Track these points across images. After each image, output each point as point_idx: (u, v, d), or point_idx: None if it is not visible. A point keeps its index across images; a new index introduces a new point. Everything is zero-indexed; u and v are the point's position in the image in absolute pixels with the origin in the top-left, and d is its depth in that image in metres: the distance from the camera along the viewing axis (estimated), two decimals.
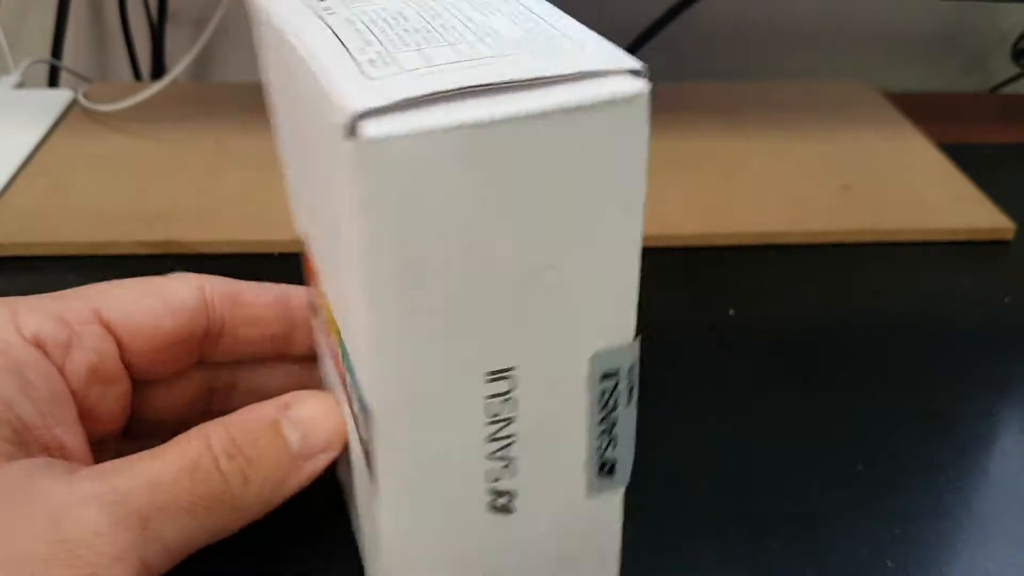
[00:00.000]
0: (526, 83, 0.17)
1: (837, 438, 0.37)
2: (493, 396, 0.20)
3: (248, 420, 0.24)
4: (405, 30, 0.19)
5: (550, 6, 0.21)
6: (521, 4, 0.21)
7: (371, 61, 0.18)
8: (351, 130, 0.16)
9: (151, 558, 0.21)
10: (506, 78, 0.17)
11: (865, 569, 0.31)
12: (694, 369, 0.40)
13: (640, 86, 0.17)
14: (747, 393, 0.39)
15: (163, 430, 0.28)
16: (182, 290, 0.27)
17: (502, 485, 0.22)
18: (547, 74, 0.17)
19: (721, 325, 0.43)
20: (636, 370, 0.21)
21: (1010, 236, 0.49)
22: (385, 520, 0.22)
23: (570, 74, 0.17)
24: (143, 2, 0.65)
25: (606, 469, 0.22)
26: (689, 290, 0.45)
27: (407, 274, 0.18)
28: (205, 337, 0.28)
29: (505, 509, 0.22)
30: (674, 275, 0.46)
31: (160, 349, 0.27)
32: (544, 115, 0.17)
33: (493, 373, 0.20)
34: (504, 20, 0.19)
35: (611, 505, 0.23)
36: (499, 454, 0.21)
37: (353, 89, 0.17)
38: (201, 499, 0.22)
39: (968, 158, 0.56)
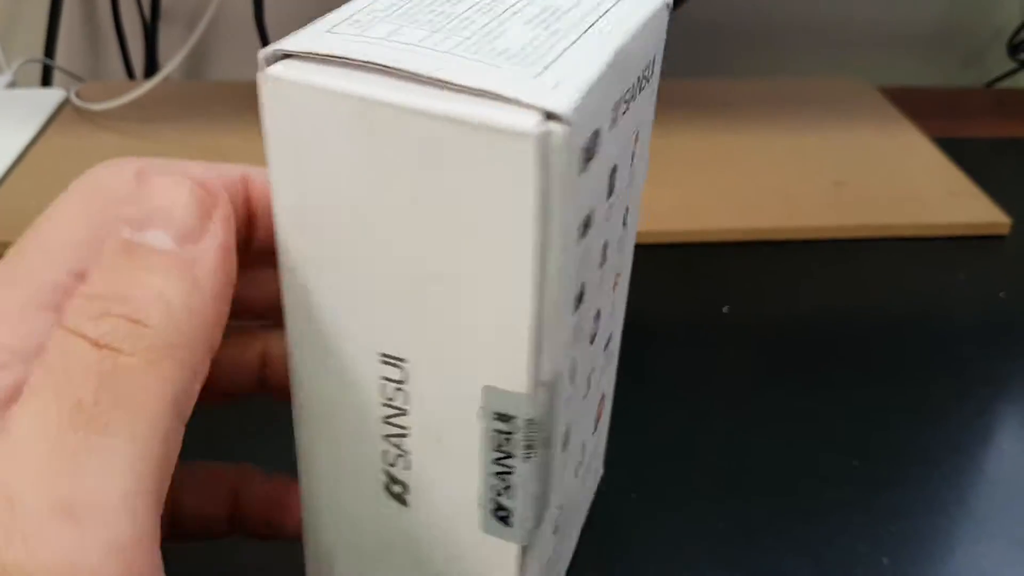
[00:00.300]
0: (439, 82, 0.17)
1: (833, 435, 0.36)
2: (387, 379, 0.20)
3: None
4: (429, 7, 0.20)
5: (618, 30, 0.20)
6: (591, 22, 0.20)
7: (352, 21, 0.19)
8: (264, 64, 0.18)
9: None
10: (424, 71, 0.17)
11: (861, 565, 0.31)
12: (687, 366, 0.40)
13: (534, 129, 0.16)
14: (741, 390, 0.39)
15: None
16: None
17: (397, 472, 0.22)
18: (462, 82, 0.17)
19: (715, 322, 0.43)
20: (544, 432, 0.20)
21: (1006, 231, 0.49)
22: (301, 482, 0.23)
23: (483, 90, 0.17)
24: (136, 0, 0.65)
25: (500, 515, 0.21)
26: (682, 287, 0.45)
27: (306, 218, 0.19)
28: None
29: (400, 499, 0.22)
30: (667, 271, 0.46)
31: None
32: (427, 115, 0.17)
33: (386, 356, 0.20)
34: (529, 28, 0.19)
35: (506, 553, 0.22)
36: (394, 441, 0.21)
37: (303, 37, 0.18)
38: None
39: (964, 153, 0.56)
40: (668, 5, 0.22)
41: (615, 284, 0.24)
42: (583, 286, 0.20)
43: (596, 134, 0.18)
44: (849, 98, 0.62)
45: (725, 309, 0.43)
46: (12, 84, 0.61)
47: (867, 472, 0.35)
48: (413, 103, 0.17)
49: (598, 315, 0.23)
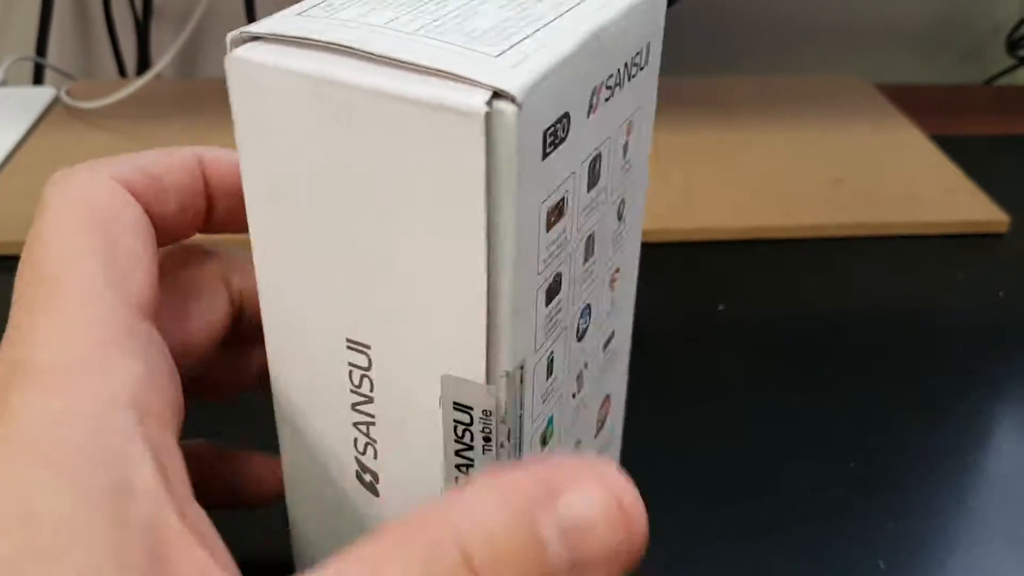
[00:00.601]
0: (398, 62, 0.17)
1: (830, 435, 0.36)
2: (353, 365, 0.20)
3: (497, 516, 0.17)
4: None
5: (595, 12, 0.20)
6: (570, 6, 0.19)
7: (325, 4, 0.19)
8: (231, 47, 0.18)
9: None
10: (383, 51, 0.17)
11: (858, 568, 0.31)
12: (683, 365, 0.39)
13: (480, 108, 0.16)
14: (737, 389, 0.38)
15: None
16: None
17: (366, 462, 0.22)
18: (420, 62, 0.17)
19: (711, 320, 0.42)
20: (503, 424, 0.19)
21: (1004, 229, 0.49)
22: (284, 471, 0.24)
23: (440, 70, 0.17)
24: None
25: None
26: (679, 285, 0.44)
27: (273, 199, 0.19)
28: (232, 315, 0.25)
29: (372, 488, 0.22)
30: (663, 269, 0.45)
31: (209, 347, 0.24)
32: (383, 95, 0.17)
33: (352, 341, 0.20)
34: (502, 10, 0.19)
35: None
36: (362, 428, 0.21)
37: (272, 20, 0.19)
38: None
39: (962, 150, 0.56)
40: None
41: (613, 280, 0.24)
42: (558, 277, 0.20)
43: (565, 118, 0.18)
44: (847, 96, 0.61)
45: (721, 307, 0.43)
46: (3, 82, 0.61)
47: (864, 473, 0.34)
48: (369, 83, 0.17)
49: (587, 311, 0.22)
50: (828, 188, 0.51)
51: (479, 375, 0.19)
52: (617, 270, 0.24)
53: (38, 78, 0.64)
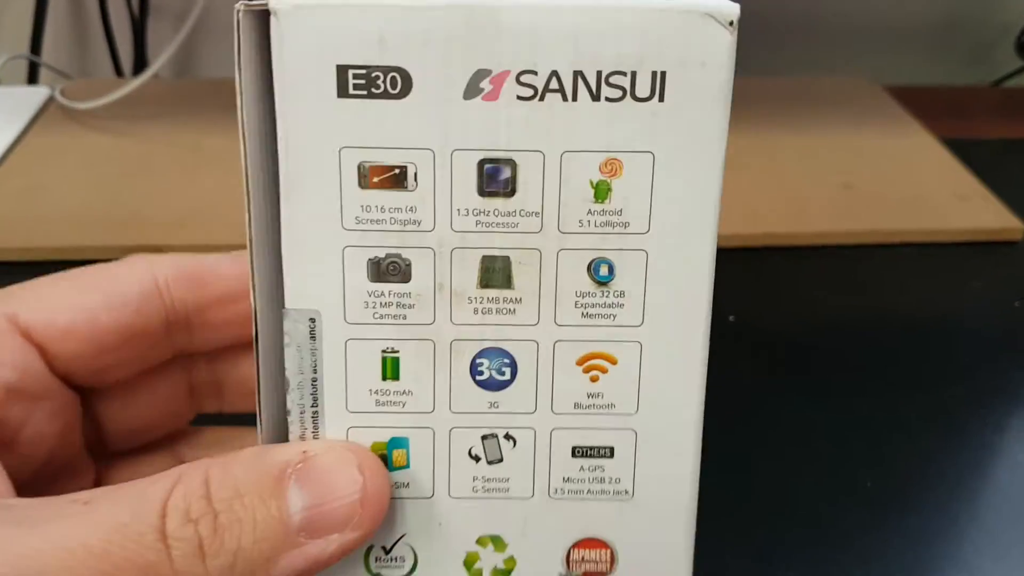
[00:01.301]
0: None
1: (844, 453, 0.35)
2: None
3: (247, 465, 0.20)
4: None
5: None
6: None
7: None
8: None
9: None
10: None
11: None
12: None
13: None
14: (748, 405, 0.37)
15: (157, 440, 0.25)
16: (123, 277, 0.23)
17: None
18: None
19: (720, 332, 0.41)
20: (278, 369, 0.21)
21: (1019, 236, 0.48)
22: None
23: None
24: None
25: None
26: None
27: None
28: (169, 327, 0.24)
29: None
30: None
31: (104, 350, 0.23)
32: None
33: None
34: None
35: None
36: None
37: None
38: (134, 572, 0.18)
39: (973, 154, 0.54)
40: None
41: (588, 367, 0.22)
42: (395, 258, 0.20)
43: (396, 72, 0.19)
44: (855, 98, 0.60)
45: (731, 318, 0.42)
46: None
47: (881, 493, 0.33)
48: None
49: (499, 357, 0.21)
50: (838, 193, 0.50)
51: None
52: (600, 356, 0.22)
53: (32, 77, 0.63)
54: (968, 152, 0.55)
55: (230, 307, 0.25)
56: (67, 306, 0.23)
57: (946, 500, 0.33)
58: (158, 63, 0.52)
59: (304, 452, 0.20)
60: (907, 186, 0.51)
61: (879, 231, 0.47)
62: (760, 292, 0.44)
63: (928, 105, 0.61)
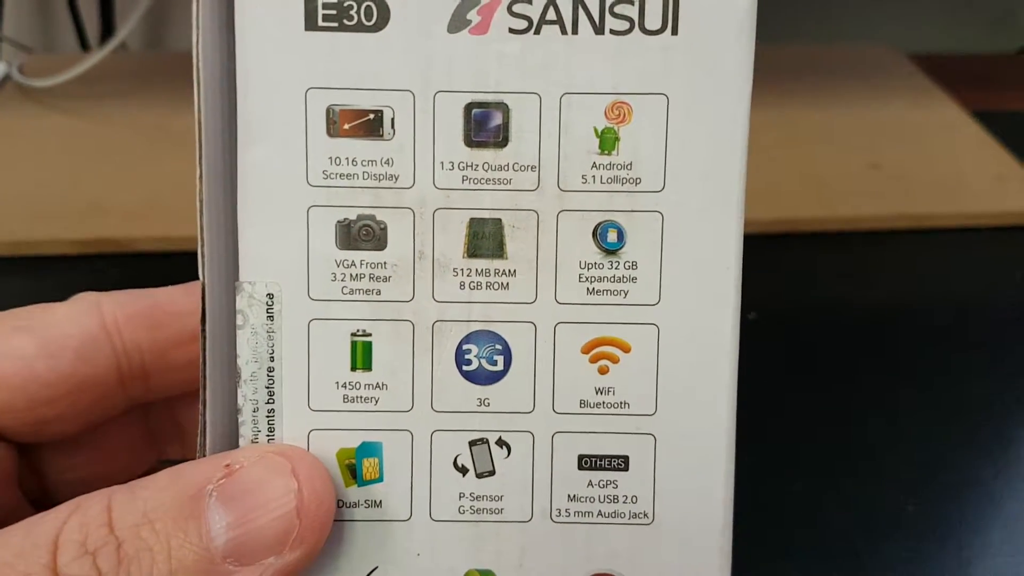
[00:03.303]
0: None
1: (881, 470, 0.31)
2: None
3: (158, 487, 0.17)
4: None
5: None
6: None
7: None
8: None
9: None
10: None
11: None
12: None
13: None
14: (771, 405, 0.33)
15: None
16: (65, 318, 0.21)
17: None
18: None
19: (741, 331, 0.37)
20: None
21: None
22: None
23: None
24: None
25: None
26: None
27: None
28: (122, 376, 0.21)
29: None
30: None
31: (40, 403, 0.20)
32: None
33: None
34: None
35: None
36: None
37: None
38: None
39: (1005, 128, 0.51)
40: None
41: (595, 354, 0.18)
42: (369, 221, 0.18)
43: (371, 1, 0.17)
44: (878, 67, 0.57)
45: (752, 316, 0.38)
46: None
47: (923, 516, 0.30)
48: None
49: (489, 342, 0.18)
50: (865, 175, 0.46)
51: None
52: (609, 343, 0.18)
53: None
54: (1000, 126, 0.51)
55: (190, 347, 0.21)
56: None
57: (985, 493, 0.30)
58: (123, 32, 0.48)
59: (227, 465, 0.17)
60: (939, 165, 0.47)
61: (910, 215, 0.43)
62: (781, 284, 0.40)
63: (951, 74, 0.57)
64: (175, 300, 0.22)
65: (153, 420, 0.23)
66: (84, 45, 0.61)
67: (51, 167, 0.45)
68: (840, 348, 0.37)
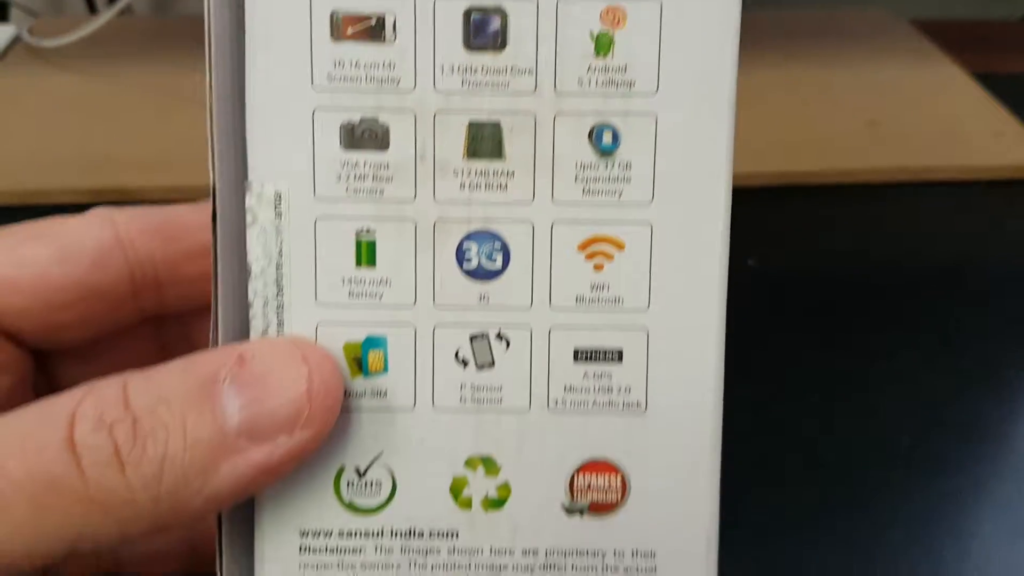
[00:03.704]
0: None
1: (875, 406, 0.32)
2: None
3: (173, 373, 0.17)
4: None
5: None
6: None
7: None
8: None
9: None
10: None
11: (923, 560, 0.26)
12: None
13: None
14: (771, 355, 0.34)
15: None
16: (79, 229, 0.21)
17: None
18: None
19: (739, 277, 0.38)
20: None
21: None
22: None
23: None
24: None
25: None
26: None
27: None
28: (135, 286, 0.22)
29: None
30: None
31: (55, 307, 0.21)
32: None
33: None
34: None
35: None
36: None
37: None
38: (35, 487, 0.16)
39: (1005, 89, 0.51)
40: None
41: (591, 250, 0.19)
42: (371, 125, 0.18)
43: None
44: (879, 31, 0.57)
45: (750, 262, 0.39)
46: None
47: (918, 451, 0.30)
48: None
49: (487, 241, 0.19)
50: (863, 131, 0.46)
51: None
52: (604, 241, 0.19)
53: (2, 15, 0.59)
54: (1000, 87, 0.51)
55: (202, 261, 0.22)
56: (11, 259, 0.21)
57: (980, 428, 0.31)
58: None
59: (240, 355, 0.17)
60: (937, 122, 0.47)
61: (908, 168, 0.44)
62: (781, 234, 0.41)
63: (952, 38, 0.57)
64: (187, 216, 0.22)
65: (165, 335, 0.24)
66: (91, 7, 0.62)
67: (61, 123, 0.46)
68: (839, 295, 0.38)
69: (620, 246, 0.18)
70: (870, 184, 0.43)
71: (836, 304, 0.37)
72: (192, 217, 0.22)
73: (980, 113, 0.48)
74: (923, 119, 0.47)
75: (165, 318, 0.23)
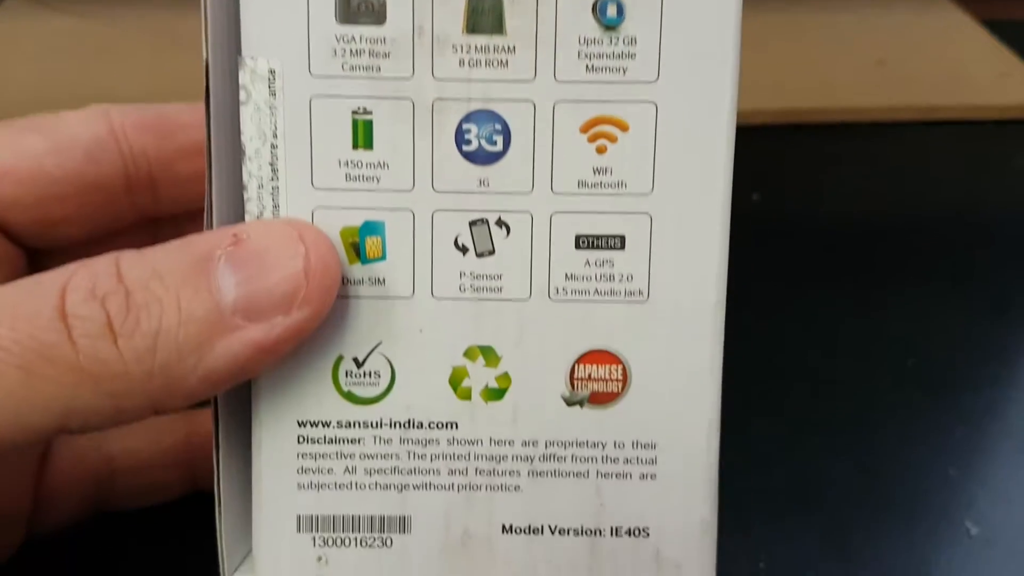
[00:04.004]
0: None
1: (880, 331, 0.32)
2: None
3: (167, 250, 0.17)
4: None
5: None
6: None
7: None
8: None
9: None
10: None
11: (925, 475, 0.26)
12: None
13: None
14: (775, 287, 0.34)
15: None
16: (74, 121, 0.21)
17: None
18: None
19: (744, 211, 0.37)
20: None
21: None
22: None
23: None
24: None
25: None
26: None
27: None
28: (129, 182, 0.22)
29: None
30: None
31: (49, 199, 0.21)
32: None
33: None
34: None
35: None
36: None
37: None
38: (25, 354, 0.16)
39: (1012, 34, 0.50)
40: None
41: (594, 133, 0.18)
42: None
43: None
44: None
45: (755, 196, 0.38)
46: None
47: (923, 372, 0.30)
48: None
49: (489, 121, 0.18)
50: (870, 70, 0.46)
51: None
52: (608, 121, 0.18)
53: None
54: (1006, 32, 0.51)
55: (196, 161, 0.21)
56: (6, 150, 0.20)
57: (990, 378, 0.30)
58: None
59: (235, 234, 0.17)
60: (944, 63, 0.47)
61: (915, 107, 0.44)
62: (786, 172, 0.40)
63: None
64: (182, 114, 0.22)
65: (160, 239, 0.23)
66: None
67: (59, 67, 0.45)
68: (845, 229, 0.37)
69: (624, 127, 0.18)
70: (877, 122, 0.43)
71: (842, 238, 0.37)
72: (187, 115, 0.22)
73: (986, 55, 0.48)
74: (930, 60, 0.47)
75: (160, 221, 0.23)
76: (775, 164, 0.41)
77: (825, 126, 0.43)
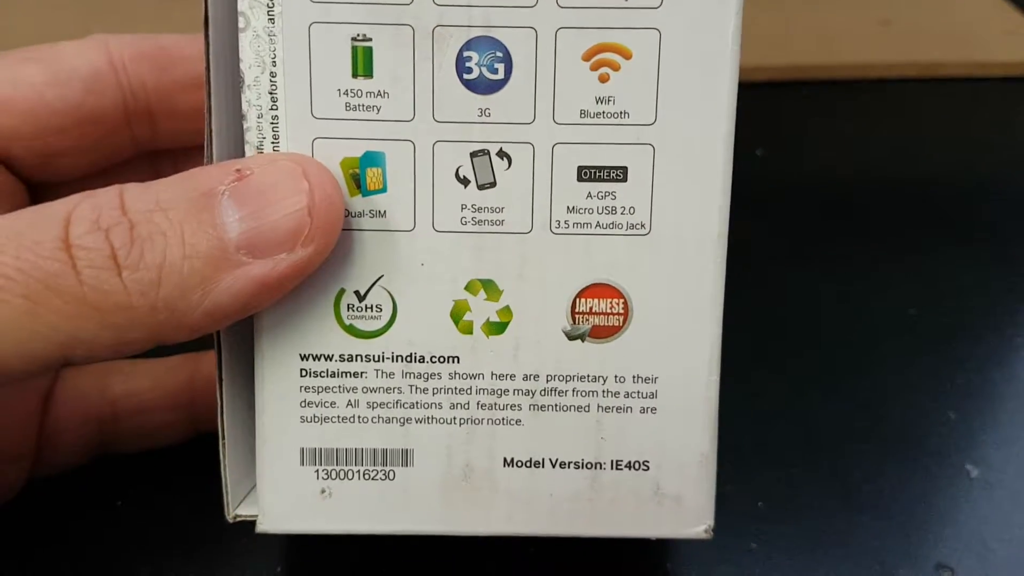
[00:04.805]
0: None
1: (886, 284, 0.32)
2: None
3: (171, 183, 0.17)
4: None
5: None
6: None
7: None
8: None
9: None
10: None
11: (927, 421, 0.26)
12: None
13: None
14: (779, 241, 0.34)
15: None
16: (73, 52, 0.21)
17: None
18: None
19: (747, 165, 0.37)
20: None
21: None
22: None
23: None
24: None
25: None
26: None
27: None
28: (128, 113, 0.22)
29: None
30: None
31: (49, 130, 0.20)
32: None
33: None
34: None
35: None
36: None
37: None
38: (28, 283, 0.16)
39: None
40: None
41: (597, 61, 0.18)
42: None
43: None
44: None
45: (759, 152, 0.38)
46: None
47: (926, 321, 0.30)
48: None
49: (490, 49, 0.18)
50: (874, 28, 0.46)
51: None
52: (610, 49, 0.18)
53: None
54: None
55: (195, 94, 0.21)
56: (5, 80, 0.20)
57: (994, 329, 0.30)
58: None
59: (238, 170, 0.17)
60: (949, 21, 0.47)
61: (919, 63, 0.43)
62: (789, 128, 0.40)
63: None
64: (181, 45, 0.22)
65: (160, 174, 0.23)
66: None
67: (60, 20, 0.45)
68: (848, 185, 0.37)
69: (627, 54, 0.18)
70: (881, 79, 0.43)
71: (845, 193, 0.37)
72: (186, 47, 0.22)
73: (991, 14, 0.48)
74: (935, 18, 0.47)
75: (159, 157, 0.23)
76: (779, 120, 0.40)
77: (829, 83, 0.43)
